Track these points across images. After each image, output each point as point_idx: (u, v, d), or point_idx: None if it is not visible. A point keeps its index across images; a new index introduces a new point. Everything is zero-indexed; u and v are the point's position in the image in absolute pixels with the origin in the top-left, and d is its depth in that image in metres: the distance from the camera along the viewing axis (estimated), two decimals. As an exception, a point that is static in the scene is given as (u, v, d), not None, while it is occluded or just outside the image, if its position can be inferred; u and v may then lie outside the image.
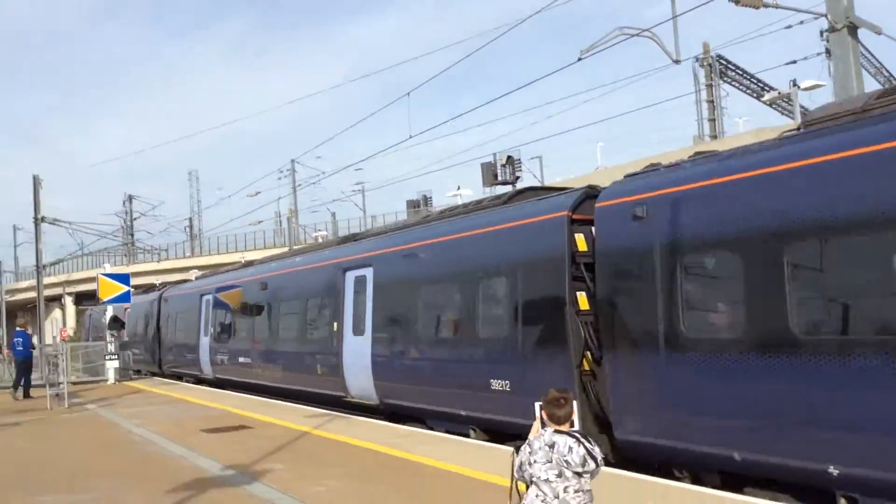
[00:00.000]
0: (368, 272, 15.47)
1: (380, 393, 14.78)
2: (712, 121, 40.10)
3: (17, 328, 24.50)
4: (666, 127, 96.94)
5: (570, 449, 4.73)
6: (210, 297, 24.21)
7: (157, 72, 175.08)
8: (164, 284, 34.34)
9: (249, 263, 25.95)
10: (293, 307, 19.11)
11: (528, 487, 4.87)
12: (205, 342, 24.74)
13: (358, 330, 15.59)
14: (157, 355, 29.55)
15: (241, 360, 21.94)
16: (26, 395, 22.51)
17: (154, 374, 30.18)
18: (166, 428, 14.86)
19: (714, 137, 38.04)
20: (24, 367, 23.09)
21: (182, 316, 27.18)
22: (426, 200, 61.14)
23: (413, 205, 61.53)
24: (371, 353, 14.95)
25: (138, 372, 31.41)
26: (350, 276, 16.21)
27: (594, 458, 4.74)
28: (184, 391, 23.13)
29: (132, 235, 57.86)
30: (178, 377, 27.80)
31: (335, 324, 16.41)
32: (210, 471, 10.44)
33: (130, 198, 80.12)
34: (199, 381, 25.70)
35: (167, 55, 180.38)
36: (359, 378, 15.40)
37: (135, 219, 72.55)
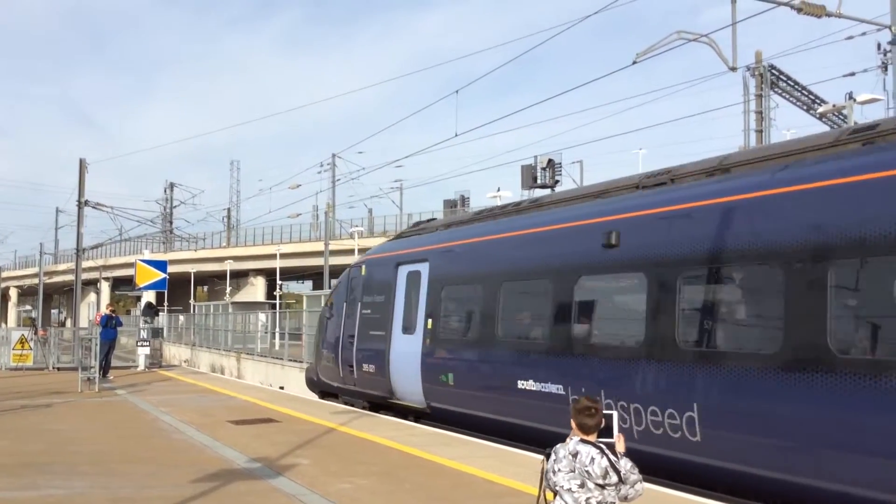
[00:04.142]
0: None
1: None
2: (760, 132, 39.28)
3: (107, 313, 24.60)
4: (712, 136, 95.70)
5: (593, 460, 4.68)
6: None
7: (210, 61, 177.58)
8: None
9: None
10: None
11: (555, 496, 4.80)
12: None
13: None
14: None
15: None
16: (105, 374, 23.01)
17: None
18: (193, 417, 14.84)
19: (761, 149, 37.19)
20: (109, 347, 23.98)
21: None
22: (464, 200, 61.07)
23: (450, 204, 61.48)
24: None
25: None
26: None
27: (617, 472, 4.66)
28: (211, 381, 23.10)
29: (171, 223, 58.44)
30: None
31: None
32: (236, 462, 10.31)
33: (172, 185, 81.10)
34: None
35: (220, 44, 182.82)
36: None
37: (174, 207, 73.31)
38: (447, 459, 10.34)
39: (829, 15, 15.12)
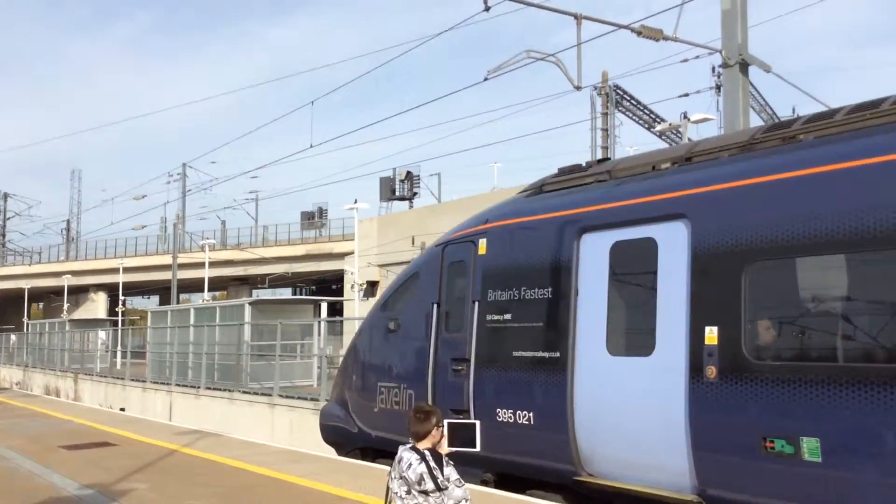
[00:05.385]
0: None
1: None
2: (605, 148, 41.13)
3: None
4: (562, 151, 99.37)
5: (410, 465, 4.74)
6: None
7: (50, 66, 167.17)
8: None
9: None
10: None
11: None
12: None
13: None
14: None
15: None
16: None
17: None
18: (22, 443, 13.78)
19: (607, 165, 38.90)
20: None
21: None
22: (322, 212, 60.35)
23: (308, 216, 60.60)
24: None
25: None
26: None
27: (434, 479, 4.70)
28: (44, 404, 21.57)
29: (3, 236, 54.32)
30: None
31: None
32: (66, 490, 9.63)
33: (6, 196, 75.57)
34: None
35: (63, 49, 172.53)
36: None
37: (8, 218, 68.37)
38: (296, 477, 10.06)
39: (666, 38, 15.93)
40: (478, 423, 5.04)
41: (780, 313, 6.84)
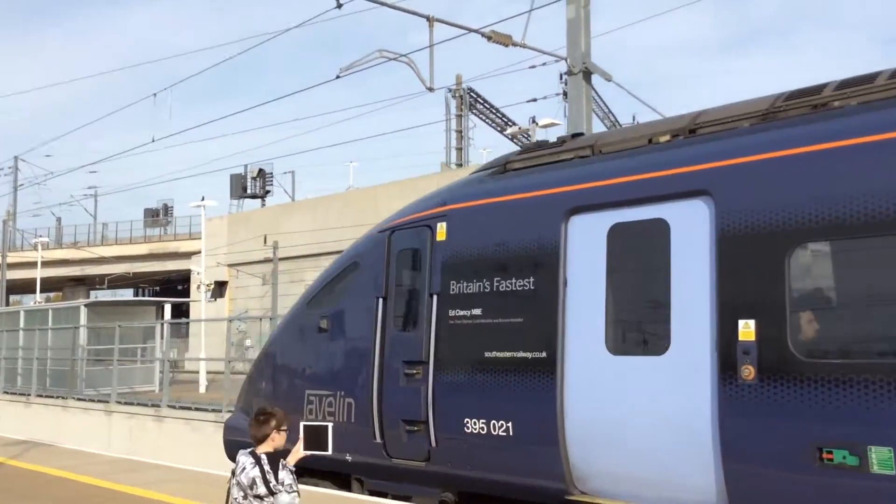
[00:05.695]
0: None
1: None
2: (459, 150, 41.85)
3: None
4: (419, 151, 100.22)
5: (244, 469, 4.70)
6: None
7: None
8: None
9: None
10: None
11: None
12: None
13: None
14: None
15: None
16: None
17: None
18: None
19: (459, 165, 39.62)
20: None
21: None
22: (167, 210, 57.90)
23: (152, 213, 58.00)
24: None
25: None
26: None
27: (266, 484, 4.67)
28: None
29: None
30: None
31: None
32: None
33: None
34: None
35: None
36: None
37: None
38: (132, 487, 9.59)
39: (514, 44, 16.33)
40: (330, 425, 4.95)
41: (837, 303, 5.85)
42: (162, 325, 20.90)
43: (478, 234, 7.70)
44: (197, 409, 16.53)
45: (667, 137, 6.95)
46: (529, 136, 28.34)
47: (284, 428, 4.92)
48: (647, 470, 6.30)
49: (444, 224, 7.97)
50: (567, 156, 7.63)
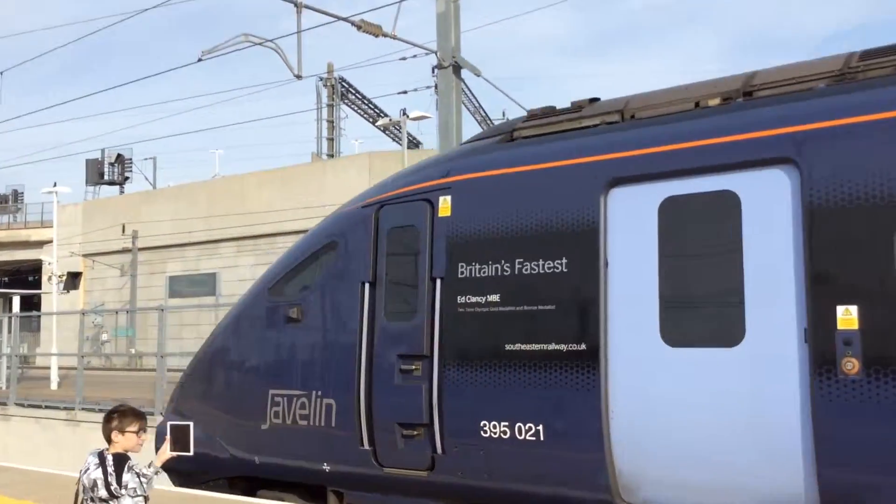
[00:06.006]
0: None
1: None
2: (331, 140, 41.41)
3: None
4: (289, 141, 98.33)
5: (87, 470, 4.56)
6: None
7: None
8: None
9: None
10: None
11: None
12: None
13: None
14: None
15: None
16: None
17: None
18: None
19: (331, 156, 39.24)
20: None
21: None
22: (17, 196, 54.33)
23: (2, 200, 54.31)
24: None
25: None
26: None
27: (107, 486, 4.47)
28: None
29: None
30: None
31: None
32: None
33: None
34: None
35: None
36: None
37: None
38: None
39: (385, 35, 16.35)
40: (191, 424, 4.82)
41: None
42: (10, 318, 19.83)
43: (493, 210, 6.66)
44: (47, 407, 15.79)
45: (716, 101, 6.13)
46: (400, 127, 28.40)
47: (133, 430, 4.62)
48: (717, 477, 5.56)
49: (449, 198, 6.92)
50: (591, 122, 6.72)
